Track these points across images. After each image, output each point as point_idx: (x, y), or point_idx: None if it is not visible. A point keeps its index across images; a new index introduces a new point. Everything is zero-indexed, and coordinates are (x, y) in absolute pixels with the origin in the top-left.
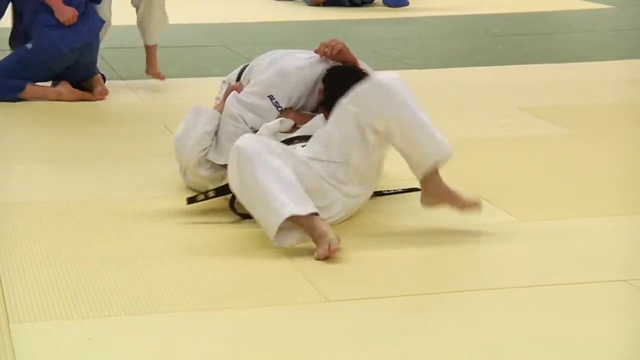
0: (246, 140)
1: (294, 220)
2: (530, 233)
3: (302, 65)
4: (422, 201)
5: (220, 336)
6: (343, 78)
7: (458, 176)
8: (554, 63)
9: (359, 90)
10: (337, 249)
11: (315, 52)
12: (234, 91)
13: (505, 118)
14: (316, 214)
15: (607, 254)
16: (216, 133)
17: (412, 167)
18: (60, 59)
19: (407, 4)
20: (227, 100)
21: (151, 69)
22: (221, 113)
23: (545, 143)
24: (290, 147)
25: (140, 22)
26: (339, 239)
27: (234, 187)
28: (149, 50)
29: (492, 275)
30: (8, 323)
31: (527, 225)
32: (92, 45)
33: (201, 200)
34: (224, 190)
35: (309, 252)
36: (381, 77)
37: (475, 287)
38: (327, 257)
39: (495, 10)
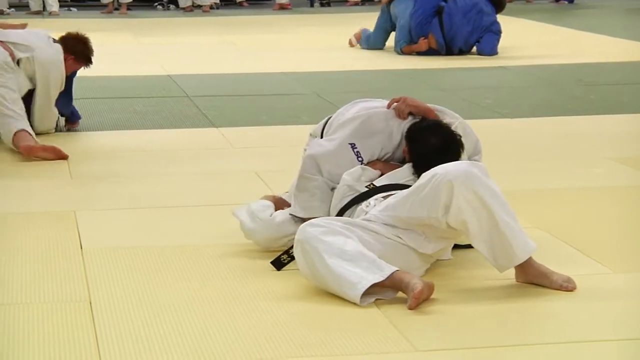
0: (304, 230)
1: (377, 286)
2: (625, 285)
3: (387, 118)
4: (516, 278)
5: None
6: (425, 138)
7: (549, 226)
8: None
9: (439, 178)
10: (422, 292)
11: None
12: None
13: (597, 168)
14: (396, 270)
15: None
16: None
17: (492, 264)
18: None
19: (497, 52)
20: (305, 154)
21: None
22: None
23: (637, 193)
24: (359, 210)
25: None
26: (427, 284)
27: (308, 278)
28: None
29: (584, 327)
30: None
31: (621, 277)
32: None
33: (287, 262)
34: None
35: (398, 301)
36: (465, 170)
37: (564, 339)
38: (416, 305)
39: (587, 60)
